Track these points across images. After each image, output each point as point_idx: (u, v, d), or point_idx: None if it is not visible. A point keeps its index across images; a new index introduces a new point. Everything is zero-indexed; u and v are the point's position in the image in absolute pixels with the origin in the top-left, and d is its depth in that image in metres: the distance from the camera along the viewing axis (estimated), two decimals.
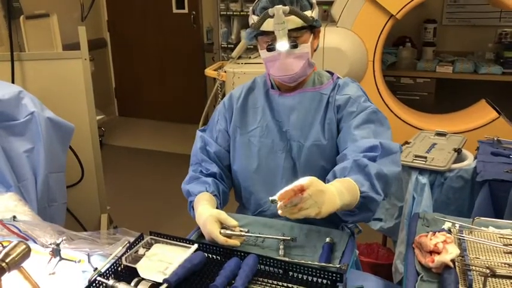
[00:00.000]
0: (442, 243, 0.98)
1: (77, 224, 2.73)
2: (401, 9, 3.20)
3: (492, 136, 2.38)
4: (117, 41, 5.33)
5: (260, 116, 1.50)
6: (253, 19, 1.39)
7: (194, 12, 4.86)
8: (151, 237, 1.17)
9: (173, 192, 3.88)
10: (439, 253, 0.98)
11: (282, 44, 1.34)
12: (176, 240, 1.15)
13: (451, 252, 0.96)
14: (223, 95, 3.74)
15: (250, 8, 1.45)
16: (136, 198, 3.70)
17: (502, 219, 1.92)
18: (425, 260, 1.00)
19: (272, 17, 1.32)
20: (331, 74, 1.54)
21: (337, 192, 1.11)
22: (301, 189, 1.05)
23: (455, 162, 2.19)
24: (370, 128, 1.35)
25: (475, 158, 2.24)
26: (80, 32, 2.54)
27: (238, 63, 3.63)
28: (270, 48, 1.38)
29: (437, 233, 1.03)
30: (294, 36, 1.36)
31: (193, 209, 1.45)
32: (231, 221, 1.25)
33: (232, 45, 4.19)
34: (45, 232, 1.47)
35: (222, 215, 1.28)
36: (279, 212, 1.08)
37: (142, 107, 5.50)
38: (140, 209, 3.53)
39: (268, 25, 1.34)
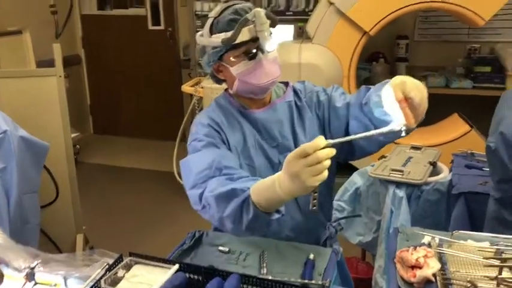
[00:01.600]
0: (423, 258, 0.99)
1: (51, 245, 2.66)
2: (375, 25, 3.27)
3: (466, 149, 2.44)
4: (92, 57, 5.28)
5: (247, 136, 1.46)
6: (217, 38, 1.33)
7: (170, 29, 4.86)
8: (131, 258, 1.15)
9: (151, 210, 3.86)
10: (420, 267, 0.99)
11: (270, 44, 1.32)
12: (156, 261, 1.13)
13: (432, 267, 0.97)
14: (201, 111, 3.73)
15: (203, 32, 1.40)
16: (112, 217, 3.64)
17: (479, 231, 1.97)
18: (407, 275, 1.01)
19: (249, 23, 1.30)
20: (285, 83, 1.56)
21: (402, 76, 1.16)
22: (406, 99, 1.08)
23: (431, 175, 2.23)
24: (347, 95, 1.48)
25: (450, 170, 2.28)
26: (54, 49, 2.51)
27: None
28: (253, 56, 1.34)
29: (418, 247, 1.04)
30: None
31: (253, 207, 1.11)
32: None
33: None
34: (18, 255, 1.42)
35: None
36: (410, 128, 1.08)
37: (118, 124, 5.44)
38: (117, 228, 3.46)
39: (243, 35, 1.31)
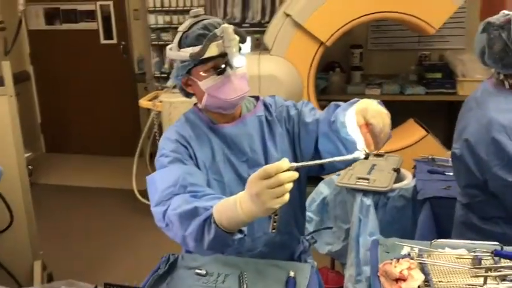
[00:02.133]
0: (407, 270, 0.99)
1: (4, 273, 2.51)
2: (331, 36, 3.33)
3: (426, 155, 2.50)
4: (41, 73, 5.08)
5: (216, 151, 1.44)
6: (184, 52, 1.33)
7: (124, 43, 4.76)
8: None
9: (111, 231, 3.72)
10: (404, 280, 0.99)
11: (240, 59, 1.31)
12: None
13: (416, 279, 0.97)
14: (159, 126, 3.66)
15: (172, 46, 1.39)
16: (71, 241, 3.48)
17: (445, 234, 2.02)
18: None
19: (218, 39, 1.29)
20: (256, 97, 1.55)
21: (367, 100, 1.16)
22: (367, 125, 1.08)
23: (395, 181, 2.27)
24: (317, 111, 1.48)
25: (414, 176, 2.34)
26: (3, 68, 2.39)
27: (174, 93, 3.58)
28: (221, 71, 1.34)
29: (400, 259, 1.04)
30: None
31: (214, 227, 1.09)
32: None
33: (166, 75, 4.14)
34: None
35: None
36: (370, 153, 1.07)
37: (72, 141, 5.25)
38: (76, 253, 3.32)
39: (211, 51, 1.30)
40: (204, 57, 1.30)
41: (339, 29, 3.30)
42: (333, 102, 1.39)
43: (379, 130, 1.09)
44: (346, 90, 4.06)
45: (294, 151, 1.48)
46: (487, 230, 1.55)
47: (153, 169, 4.26)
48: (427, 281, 1.01)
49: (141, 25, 4.37)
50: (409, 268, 1.00)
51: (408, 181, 2.26)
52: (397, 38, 4.31)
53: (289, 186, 1.00)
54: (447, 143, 3.66)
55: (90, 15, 4.80)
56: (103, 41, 4.85)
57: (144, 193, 3.98)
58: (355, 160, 1.08)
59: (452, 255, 1.11)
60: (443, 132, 4.17)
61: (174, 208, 1.17)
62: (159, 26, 4.08)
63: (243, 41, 1.35)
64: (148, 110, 4.02)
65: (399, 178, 2.33)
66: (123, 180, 4.28)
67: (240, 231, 1.12)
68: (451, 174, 2.23)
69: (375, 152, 1.19)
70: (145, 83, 4.40)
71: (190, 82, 1.40)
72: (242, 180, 1.43)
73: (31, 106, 5.09)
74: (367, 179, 2.21)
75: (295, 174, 1.00)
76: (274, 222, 1.04)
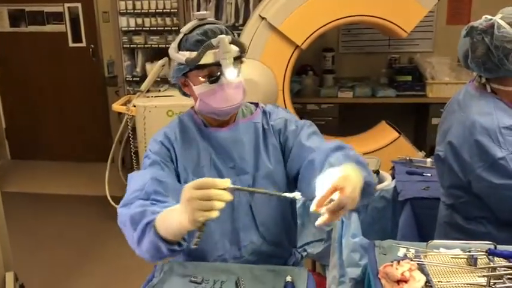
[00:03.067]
0: (408, 271, 1.01)
1: None
2: (306, 39, 3.35)
3: (403, 156, 2.55)
4: (6, 77, 4.89)
5: (203, 155, 1.45)
6: (182, 55, 1.35)
7: (93, 46, 4.65)
8: None
9: (84, 239, 3.62)
10: (406, 281, 1.00)
11: (231, 72, 1.32)
12: None
13: (418, 280, 0.99)
14: (133, 130, 3.60)
15: (172, 46, 1.40)
16: (42, 250, 3.37)
17: (426, 235, 2.06)
18: None
19: (214, 48, 1.29)
20: (255, 104, 1.55)
21: (355, 174, 1.11)
22: (335, 190, 1.03)
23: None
24: (316, 137, 1.43)
25: (393, 177, 2.38)
26: None
27: (148, 97, 3.53)
28: (214, 80, 1.34)
29: (401, 261, 1.05)
30: (234, 65, 1.34)
31: (153, 231, 1.14)
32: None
33: (138, 79, 4.07)
34: None
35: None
36: (321, 222, 1.04)
37: (39, 147, 5.07)
38: (48, 262, 3.21)
39: (207, 58, 1.31)
40: (199, 63, 1.31)
41: (314, 32, 3.32)
42: (338, 142, 1.33)
43: (340, 206, 1.03)
44: (319, 93, 4.10)
45: (285, 165, 1.47)
46: (471, 230, 1.59)
47: (125, 174, 4.20)
48: (427, 281, 1.03)
49: (111, 27, 4.28)
50: (410, 269, 1.02)
51: (388, 182, 2.29)
52: (367, 41, 4.38)
53: (219, 204, 1.02)
54: (417, 144, 3.76)
55: (57, 17, 4.66)
56: (71, 44, 4.73)
57: (117, 199, 3.90)
58: (291, 198, 1.10)
59: (447, 255, 1.14)
60: (412, 134, 4.28)
61: (129, 211, 1.22)
62: (130, 28, 4.01)
63: (242, 51, 1.36)
64: (120, 115, 3.95)
65: (379, 180, 2.36)
66: (94, 186, 4.18)
67: (179, 244, 1.16)
68: (429, 175, 2.30)
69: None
70: (116, 87, 4.30)
71: (187, 83, 1.41)
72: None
73: None
74: None
75: (225, 196, 1.03)
76: (198, 238, 1.06)
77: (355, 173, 1.10)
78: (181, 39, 1.38)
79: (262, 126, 1.47)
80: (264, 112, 1.50)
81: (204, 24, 1.37)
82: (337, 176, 1.04)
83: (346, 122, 4.09)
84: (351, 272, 2.04)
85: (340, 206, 1.02)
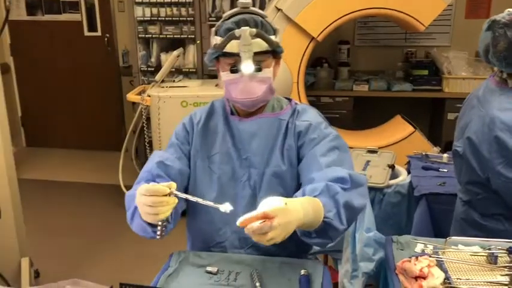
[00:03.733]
0: (427, 268, 0.99)
1: None
2: (322, 31, 3.33)
3: (419, 151, 2.53)
4: (22, 65, 4.94)
5: (220, 142, 1.46)
6: (216, 40, 1.37)
7: (108, 35, 4.66)
8: None
9: (98, 227, 3.65)
10: (424, 278, 0.99)
11: (247, 66, 1.32)
12: None
13: (437, 277, 0.98)
14: (147, 120, 3.61)
15: (213, 29, 1.42)
16: (56, 237, 3.41)
17: (440, 231, 2.04)
18: (412, 286, 1.01)
19: (238, 38, 1.30)
20: (289, 99, 1.53)
21: (303, 209, 1.09)
22: (266, 217, 1.02)
23: (390, 178, 2.29)
24: (334, 154, 1.34)
25: (408, 172, 2.36)
26: None
27: (163, 87, 3.53)
28: (233, 70, 1.36)
29: (419, 257, 1.04)
30: (258, 60, 1.34)
31: (139, 215, 1.25)
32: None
33: (153, 69, 4.07)
34: None
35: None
36: (246, 231, 1.05)
37: (54, 135, 5.13)
38: (62, 249, 3.25)
39: (232, 46, 1.32)
40: (224, 51, 1.33)
41: (330, 24, 3.29)
42: (346, 173, 1.25)
43: (262, 231, 1.02)
44: (334, 86, 4.07)
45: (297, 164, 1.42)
46: (488, 227, 1.57)
47: (138, 164, 4.21)
48: (446, 278, 1.02)
49: (126, 17, 4.28)
50: (429, 266, 1.01)
51: (404, 177, 2.27)
52: (383, 34, 4.33)
53: (164, 210, 1.14)
54: (432, 139, 3.72)
55: (73, 6, 4.68)
56: (87, 33, 4.74)
57: (130, 188, 3.92)
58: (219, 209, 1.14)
59: (467, 252, 1.12)
60: (427, 129, 4.24)
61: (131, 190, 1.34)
62: (146, 18, 4.00)
63: (272, 45, 1.34)
64: (134, 104, 3.96)
65: (394, 174, 2.34)
66: (108, 175, 4.21)
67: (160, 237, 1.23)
68: (445, 170, 2.28)
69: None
70: (131, 77, 4.31)
71: (219, 69, 1.44)
72: (236, 177, 1.43)
73: (11, 99, 4.94)
74: (363, 175, 2.21)
75: (169, 202, 1.14)
76: (160, 229, 1.20)
77: (302, 211, 1.08)
78: (220, 24, 1.40)
79: (287, 124, 1.43)
80: (294, 110, 1.47)
81: (243, 13, 1.37)
82: (276, 205, 1.05)
83: (360, 115, 4.05)
84: (364, 266, 2.04)
85: (261, 231, 1.02)
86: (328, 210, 1.15)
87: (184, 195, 1.19)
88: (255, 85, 1.36)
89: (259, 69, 1.34)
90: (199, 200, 1.16)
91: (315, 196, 1.17)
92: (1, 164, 2.41)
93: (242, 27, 1.30)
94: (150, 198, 1.13)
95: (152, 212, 1.14)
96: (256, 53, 1.31)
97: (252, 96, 1.37)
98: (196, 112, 1.53)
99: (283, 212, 1.03)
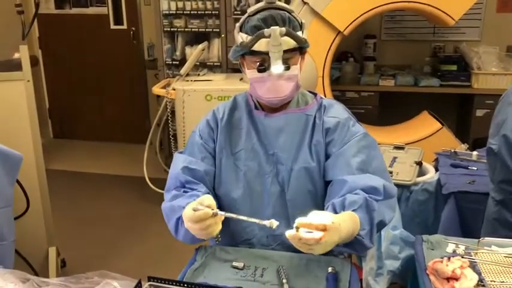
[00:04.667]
0: (460, 269, 0.97)
1: (20, 259, 2.49)
2: (349, 25, 3.28)
3: (447, 148, 2.47)
4: (50, 58, 5.03)
5: (245, 137, 1.44)
6: (241, 37, 1.34)
7: (134, 28, 4.70)
8: (151, 283, 1.06)
9: (123, 219, 3.70)
10: (456, 279, 0.96)
11: (277, 66, 1.30)
12: (180, 285, 1.04)
13: (471, 279, 0.95)
14: (172, 113, 3.63)
15: (237, 25, 1.39)
16: (82, 227, 3.47)
17: (469, 230, 2.00)
18: (443, 287, 0.98)
19: (266, 37, 1.27)
20: (314, 94, 1.51)
21: (347, 229, 1.11)
22: (323, 229, 1.03)
23: (418, 175, 2.24)
24: (364, 154, 1.33)
25: (436, 170, 2.31)
26: (21, 52, 2.35)
27: (187, 81, 3.54)
28: (261, 70, 1.33)
29: (452, 258, 1.02)
30: (286, 58, 1.32)
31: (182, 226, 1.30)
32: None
33: (177, 62, 4.08)
34: (6, 281, 1.29)
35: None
36: (287, 236, 1.05)
37: (80, 127, 5.21)
38: (88, 240, 3.30)
39: (260, 45, 1.29)
40: (252, 49, 1.31)
41: (357, 18, 3.24)
42: (376, 183, 1.26)
43: (308, 243, 1.03)
44: (359, 81, 4.02)
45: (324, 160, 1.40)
46: None
47: (162, 157, 4.23)
48: (480, 280, 0.99)
49: (151, 10, 4.30)
50: (461, 267, 0.98)
51: (432, 175, 2.23)
52: (411, 28, 4.25)
53: (214, 229, 1.18)
54: (460, 136, 3.65)
55: (100, 0, 4.73)
56: (113, 26, 4.79)
57: (155, 181, 3.94)
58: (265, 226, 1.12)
59: (501, 254, 1.09)
60: (455, 125, 4.15)
61: (165, 201, 1.39)
62: (171, 11, 4.01)
63: (300, 44, 1.32)
64: (158, 98, 3.99)
65: (421, 171, 2.30)
66: (132, 167, 4.26)
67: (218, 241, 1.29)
68: (475, 168, 2.22)
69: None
70: (156, 70, 4.33)
71: (244, 65, 1.42)
72: (263, 173, 1.42)
73: (39, 92, 5.03)
74: (390, 172, 2.18)
75: (215, 227, 1.19)
76: (217, 240, 1.27)
77: (346, 230, 1.10)
78: (244, 20, 1.37)
79: (314, 119, 1.41)
80: (321, 105, 1.44)
81: (270, 8, 1.34)
82: (331, 220, 1.05)
83: (386, 111, 3.99)
84: (389, 264, 2.01)
85: (307, 243, 1.03)
86: (362, 227, 1.17)
87: (228, 215, 1.19)
88: (283, 83, 1.34)
89: (287, 68, 1.32)
90: (244, 218, 1.17)
91: (353, 210, 1.19)
92: (30, 154, 2.45)
93: (272, 27, 1.27)
94: (198, 225, 1.16)
95: (204, 235, 1.19)
96: (285, 51, 1.29)
97: (280, 95, 1.35)
98: (219, 107, 1.51)
99: (334, 231, 1.05)
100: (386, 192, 1.24)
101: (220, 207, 1.45)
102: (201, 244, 1.38)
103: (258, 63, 1.33)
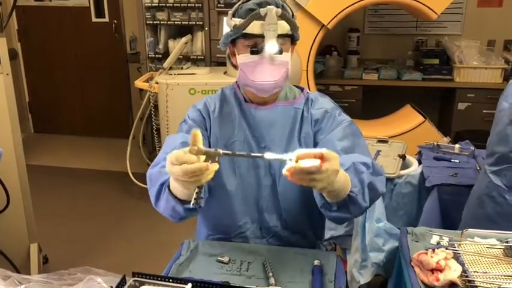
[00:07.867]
0: (444, 260, 0.98)
1: (1, 258, 2.45)
2: (332, 19, 3.28)
3: (430, 141, 2.50)
4: (29, 51, 4.93)
5: (237, 130, 1.43)
6: (234, 22, 1.33)
7: (116, 21, 4.63)
8: (135, 279, 1.04)
9: (105, 214, 3.66)
10: (441, 270, 0.97)
11: (272, 45, 1.29)
12: (162, 280, 1.03)
13: (455, 269, 0.96)
14: (155, 107, 3.59)
15: (229, 12, 1.38)
16: (64, 223, 3.42)
17: (449, 222, 2.02)
18: (428, 279, 0.99)
19: (261, 18, 1.27)
20: (301, 88, 1.51)
21: (343, 176, 1.09)
22: (321, 157, 0.99)
23: (401, 168, 2.26)
24: (349, 140, 1.35)
25: (419, 163, 2.33)
26: None
27: (171, 74, 3.50)
28: (254, 51, 1.32)
29: (436, 249, 1.02)
30: (279, 43, 1.31)
31: (167, 191, 1.18)
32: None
33: (160, 56, 4.04)
34: None
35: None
36: (286, 172, 0.99)
37: (61, 121, 5.13)
38: (69, 234, 3.26)
39: (254, 27, 1.29)
40: (245, 32, 1.30)
41: (340, 12, 3.25)
42: (367, 160, 1.26)
43: (309, 171, 0.98)
44: (343, 75, 4.03)
45: None
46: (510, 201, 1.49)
47: (146, 152, 4.17)
48: (464, 271, 1.00)
49: (133, 3, 4.23)
50: (446, 258, 0.99)
51: (415, 167, 2.25)
52: (394, 22, 4.27)
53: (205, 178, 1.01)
54: (442, 129, 3.69)
55: None
56: (94, 19, 4.71)
57: (138, 176, 3.88)
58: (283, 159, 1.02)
59: (483, 245, 1.10)
60: (437, 118, 4.20)
61: (152, 167, 1.28)
62: (154, 4, 3.96)
63: (293, 29, 1.32)
64: (141, 91, 3.94)
65: (405, 164, 2.32)
66: (115, 162, 4.22)
67: (195, 204, 1.07)
68: (457, 161, 2.25)
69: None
70: (139, 64, 4.28)
71: (234, 52, 1.41)
72: (256, 165, 1.42)
73: (18, 85, 4.94)
74: None
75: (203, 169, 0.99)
76: (196, 196, 1.04)
77: (342, 177, 1.09)
78: (237, 7, 1.37)
79: (302, 113, 1.43)
80: (307, 99, 1.46)
81: None
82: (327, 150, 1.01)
83: (369, 104, 4.02)
84: (374, 256, 2.02)
85: (309, 171, 0.98)
86: (354, 185, 1.16)
87: (230, 152, 1.08)
88: (274, 68, 1.33)
89: (280, 52, 1.31)
90: (245, 155, 1.14)
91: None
92: (10, 150, 2.41)
93: (268, 6, 1.26)
94: (193, 166, 0.98)
95: (193, 181, 1.00)
96: (278, 36, 1.29)
97: (270, 79, 1.34)
98: (208, 100, 1.49)
99: (334, 158, 1.01)
100: (375, 168, 1.24)
101: (213, 200, 1.43)
102: (185, 240, 1.37)
103: (250, 46, 1.32)
